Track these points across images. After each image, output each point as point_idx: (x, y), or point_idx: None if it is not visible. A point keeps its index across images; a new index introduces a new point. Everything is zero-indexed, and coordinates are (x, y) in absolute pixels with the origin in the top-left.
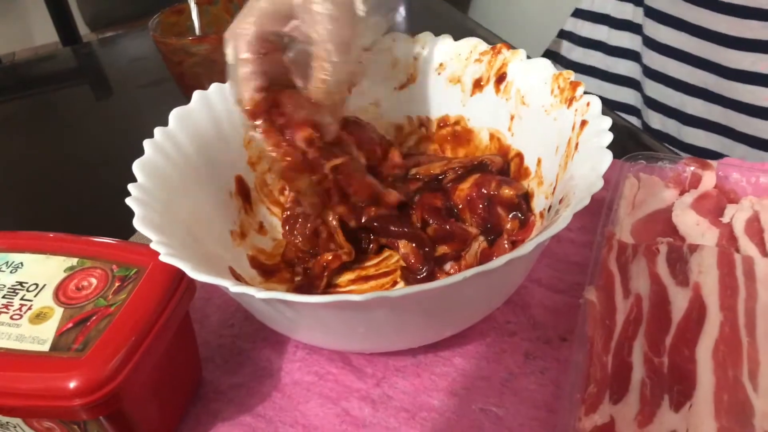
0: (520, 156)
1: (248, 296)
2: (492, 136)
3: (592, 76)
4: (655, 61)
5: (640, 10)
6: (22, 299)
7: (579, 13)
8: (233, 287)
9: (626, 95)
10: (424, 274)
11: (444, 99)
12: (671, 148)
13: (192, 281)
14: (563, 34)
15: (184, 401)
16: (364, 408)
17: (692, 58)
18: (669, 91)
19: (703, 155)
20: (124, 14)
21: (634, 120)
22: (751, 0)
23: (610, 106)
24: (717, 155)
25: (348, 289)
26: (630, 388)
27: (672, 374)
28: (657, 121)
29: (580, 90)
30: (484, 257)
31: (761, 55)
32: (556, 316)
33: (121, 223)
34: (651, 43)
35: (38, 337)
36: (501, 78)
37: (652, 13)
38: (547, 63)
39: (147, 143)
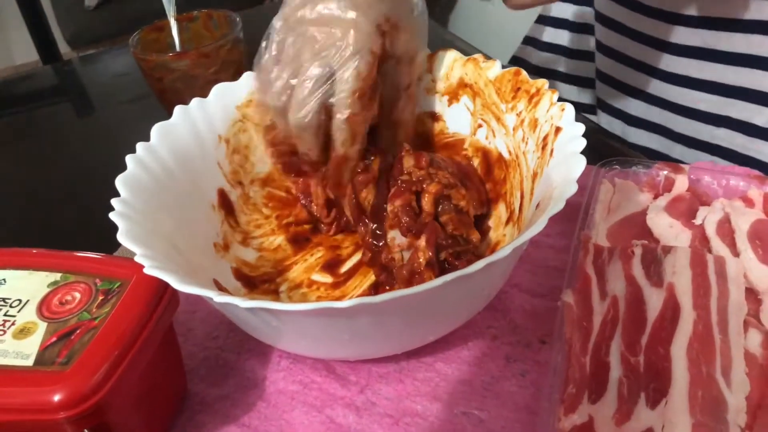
0: (500, 159)
1: (233, 306)
2: (471, 143)
3: (556, 79)
4: (604, 63)
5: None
6: (5, 315)
7: (541, 20)
8: (218, 297)
9: (588, 97)
10: None
11: (423, 109)
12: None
13: (175, 293)
14: (527, 40)
15: (169, 413)
16: (349, 415)
17: (633, 61)
18: (614, 91)
19: (646, 154)
20: (105, 32)
21: (594, 119)
22: (678, 6)
23: (575, 109)
24: (658, 154)
25: None
26: (608, 387)
27: (648, 372)
28: (605, 121)
29: (554, 97)
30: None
31: (692, 60)
32: (535, 319)
33: (104, 238)
34: (599, 46)
35: (22, 352)
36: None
37: (600, 18)
38: (521, 72)
39: (129, 158)
